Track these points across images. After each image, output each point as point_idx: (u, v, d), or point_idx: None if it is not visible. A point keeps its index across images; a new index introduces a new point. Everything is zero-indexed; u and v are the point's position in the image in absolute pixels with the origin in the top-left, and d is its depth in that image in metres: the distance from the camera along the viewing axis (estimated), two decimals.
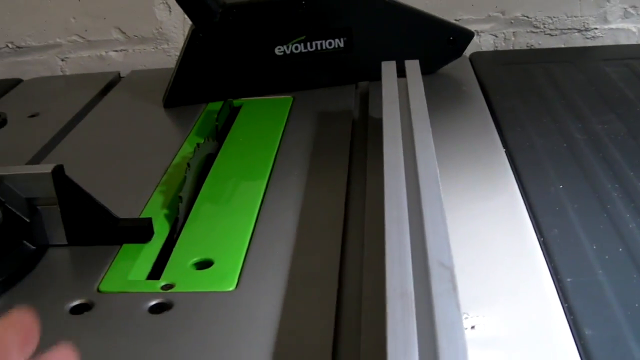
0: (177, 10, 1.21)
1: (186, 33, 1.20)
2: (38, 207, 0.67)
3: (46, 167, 0.66)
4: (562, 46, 1.22)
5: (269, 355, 0.51)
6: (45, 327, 0.57)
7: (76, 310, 0.59)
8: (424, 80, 0.81)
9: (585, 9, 1.19)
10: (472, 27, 1.07)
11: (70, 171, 0.66)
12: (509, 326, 0.52)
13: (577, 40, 1.22)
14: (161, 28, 1.25)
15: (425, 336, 0.39)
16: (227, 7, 0.96)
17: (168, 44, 1.26)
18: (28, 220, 0.66)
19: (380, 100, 0.81)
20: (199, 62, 0.98)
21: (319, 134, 0.87)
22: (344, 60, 1.01)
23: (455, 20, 1.19)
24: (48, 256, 0.67)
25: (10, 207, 0.65)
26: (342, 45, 1.00)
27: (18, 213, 0.65)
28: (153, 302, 0.58)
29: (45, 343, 0.55)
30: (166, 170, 0.80)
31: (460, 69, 1.06)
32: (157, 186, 0.77)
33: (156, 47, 1.26)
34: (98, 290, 0.61)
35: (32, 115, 1.03)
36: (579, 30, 1.21)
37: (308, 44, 0.99)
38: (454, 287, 0.43)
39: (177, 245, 0.66)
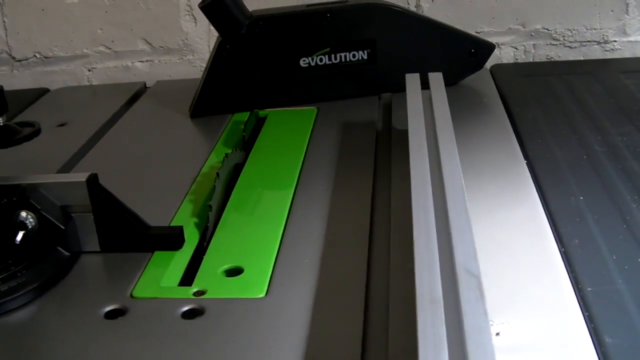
0: (203, 21, 1.23)
1: (211, 44, 1.23)
2: (72, 215, 0.69)
3: (81, 176, 0.68)
4: (582, 58, 1.23)
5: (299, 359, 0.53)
6: (81, 331, 0.59)
7: (110, 315, 0.61)
8: (445, 92, 0.83)
9: (604, 22, 1.20)
10: (492, 40, 1.09)
11: (100, 180, 0.68)
12: (532, 333, 0.54)
13: (596, 53, 1.23)
14: (187, 39, 1.27)
15: (454, 341, 0.41)
16: (254, 20, 0.98)
17: (193, 55, 1.28)
18: (63, 227, 0.68)
19: (403, 112, 0.83)
20: (226, 73, 1.00)
21: (343, 144, 0.89)
22: (367, 72, 1.03)
23: (477, 32, 1.21)
24: (81, 262, 0.69)
25: (45, 215, 0.67)
26: (365, 57, 1.02)
27: (53, 220, 0.67)
28: (185, 308, 0.60)
29: (82, 346, 0.57)
30: (195, 180, 0.82)
31: (481, 80, 1.07)
32: (186, 195, 0.79)
33: (181, 58, 1.29)
34: (131, 296, 0.62)
35: (61, 125, 1.06)
36: (598, 43, 1.22)
37: (332, 55, 1.01)
38: (482, 295, 0.44)
39: (207, 253, 0.68)
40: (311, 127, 0.95)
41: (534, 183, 0.76)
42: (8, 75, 1.32)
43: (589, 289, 0.58)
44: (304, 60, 1.01)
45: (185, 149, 0.94)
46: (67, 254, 0.69)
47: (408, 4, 1.21)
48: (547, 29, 1.22)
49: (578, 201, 0.72)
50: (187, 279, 0.65)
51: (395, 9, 1.01)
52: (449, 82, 0.93)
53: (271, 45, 1.00)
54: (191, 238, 0.71)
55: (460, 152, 0.69)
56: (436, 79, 0.87)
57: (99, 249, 0.70)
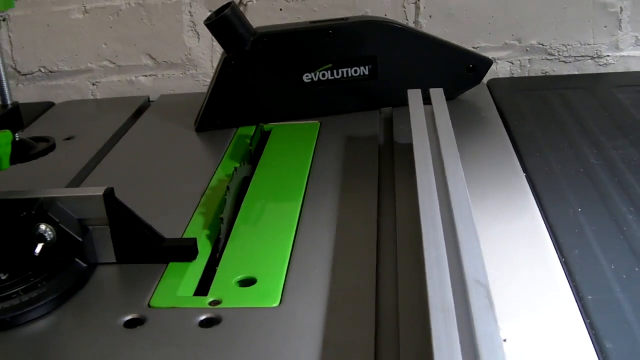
0: (205, 37, 1.26)
1: (214, 59, 1.26)
2: (89, 227, 0.71)
3: (98, 190, 0.70)
4: (576, 73, 1.26)
5: None
6: (102, 340, 0.61)
7: (130, 325, 0.63)
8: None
9: (598, 37, 1.24)
10: (489, 55, 1.12)
11: None
12: (536, 340, 0.56)
13: (590, 67, 1.26)
14: (190, 54, 1.30)
15: (467, 347, 0.44)
16: (258, 36, 1.01)
17: (196, 70, 1.31)
18: (80, 240, 0.70)
19: (404, 126, 0.86)
20: (231, 88, 1.03)
21: (347, 157, 0.91)
22: (368, 87, 1.05)
23: (473, 47, 1.24)
24: (98, 273, 0.71)
25: (64, 227, 0.69)
26: (367, 72, 1.04)
27: (71, 233, 0.69)
28: (202, 317, 0.62)
29: (104, 354, 0.59)
30: (204, 193, 0.85)
31: (478, 95, 1.10)
32: (196, 208, 0.81)
33: (184, 73, 1.31)
34: (149, 306, 0.65)
35: (68, 138, 1.07)
36: (592, 58, 1.25)
37: (334, 71, 1.04)
38: (491, 303, 0.47)
39: (220, 264, 0.70)
40: (315, 140, 0.97)
41: (534, 196, 0.78)
42: (13, 89, 1.32)
43: (589, 297, 0.61)
44: (306, 76, 1.04)
45: (193, 163, 0.96)
46: (85, 265, 0.70)
47: (407, 20, 1.24)
48: (542, 44, 1.25)
49: (576, 213, 0.75)
50: (202, 289, 0.68)
51: (395, 25, 1.03)
52: (448, 97, 0.96)
53: (275, 61, 1.02)
54: (204, 250, 0.73)
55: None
56: (437, 94, 0.90)
57: (114, 260, 0.72)
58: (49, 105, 1.25)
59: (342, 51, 1.03)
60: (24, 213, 0.68)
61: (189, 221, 0.79)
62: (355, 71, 1.04)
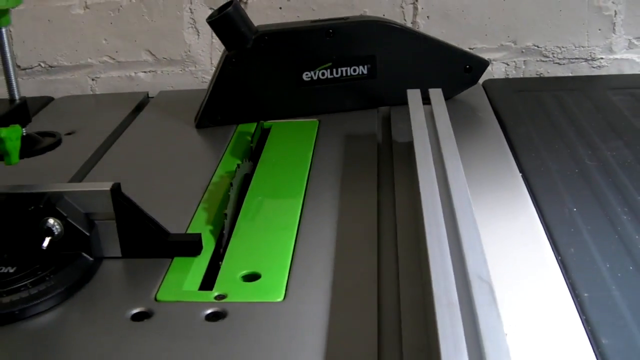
0: (205, 34, 1.27)
1: (213, 56, 1.27)
2: (95, 222, 0.72)
3: (105, 185, 0.71)
4: (570, 74, 1.28)
5: None
6: (110, 332, 0.63)
7: (137, 318, 0.64)
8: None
9: (592, 40, 1.25)
10: (485, 56, 1.14)
11: None
12: (533, 335, 0.58)
13: (584, 69, 1.28)
14: (189, 51, 1.31)
15: (472, 340, 0.45)
16: (260, 35, 1.02)
17: (195, 66, 1.32)
18: (87, 234, 0.71)
19: (403, 125, 0.87)
20: (231, 86, 1.04)
21: (347, 155, 0.93)
22: (367, 86, 1.07)
23: (470, 48, 1.25)
24: (104, 267, 0.72)
25: (71, 222, 0.70)
26: (365, 72, 1.06)
27: (78, 227, 0.71)
28: (209, 311, 0.64)
29: (112, 346, 0.61)
30: (206, 188, 0.86)
31: (474, 95, 1.11)
32: (199, 203, 0.83)
33: (184, 69, 1.32)
34: (155, 299, 0.66)
35: (69, 133, 1.08)
36: (586, 60, 1.27)
37: (334, 70, 1.05)
38: (494, 299, 0.49)
39: (225, 259, 0.71)
40: (314, 138, 0.99)
41: (530, 195, 0.80)
42: None
43: (585, 295, 0.63)
44: (306, 74, 1.05)
45: (194, 159, 0.98)
46: (91, 259, 0.72)
47: (405, 20, 1.25)
48: (538, 46, 1.27)
49: (572, 212, 0.76)
50: (206, 284, 0.69)
51: (394, 26, 1.05)
52: (445, 97, 0.97)
53: (275, 59, 1.04)
54: (208, 245, 0.74)
55: None
56: (436, 94, 0.91)
57: (120, 255, 0.73)
58: (49, 100, 1.26)
59: (342, 50, 1.05)
60: (32, 207, 0.69)
61: (192, 217, 0.80)
62: (354, 70, 1.06)
